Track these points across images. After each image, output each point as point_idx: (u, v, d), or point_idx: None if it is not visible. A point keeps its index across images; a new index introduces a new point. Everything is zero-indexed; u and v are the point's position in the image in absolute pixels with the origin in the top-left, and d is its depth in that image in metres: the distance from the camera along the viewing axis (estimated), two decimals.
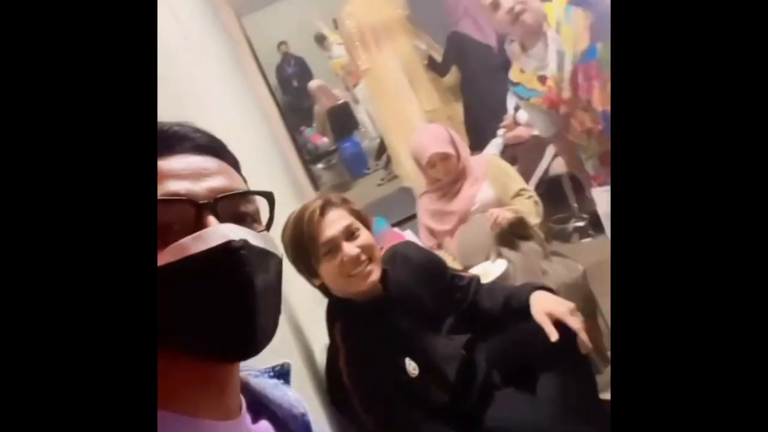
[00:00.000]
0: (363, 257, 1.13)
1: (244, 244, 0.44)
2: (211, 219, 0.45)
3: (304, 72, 6.48)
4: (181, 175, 0.46)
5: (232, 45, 2.78)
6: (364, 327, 1.15)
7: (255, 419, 0.52)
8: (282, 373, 0.62)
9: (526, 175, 2.71)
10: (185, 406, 0.45)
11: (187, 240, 0.43)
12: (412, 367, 1.13)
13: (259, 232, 0.49)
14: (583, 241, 2.78)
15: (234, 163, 0.52)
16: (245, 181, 0.53)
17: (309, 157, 5.23)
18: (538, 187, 2.73)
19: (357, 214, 1.19)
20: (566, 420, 1.13)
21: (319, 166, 5.53)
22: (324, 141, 5.72)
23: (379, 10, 3.35)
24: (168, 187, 0.44)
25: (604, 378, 1.82)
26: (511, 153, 2.84)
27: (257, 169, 1.42)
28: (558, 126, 1.74)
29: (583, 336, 1.15)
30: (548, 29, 1.60)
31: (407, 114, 3.24)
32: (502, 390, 1.24)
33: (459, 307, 1.33)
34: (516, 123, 2.83)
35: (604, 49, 1.53)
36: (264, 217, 0.52)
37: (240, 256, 0.43)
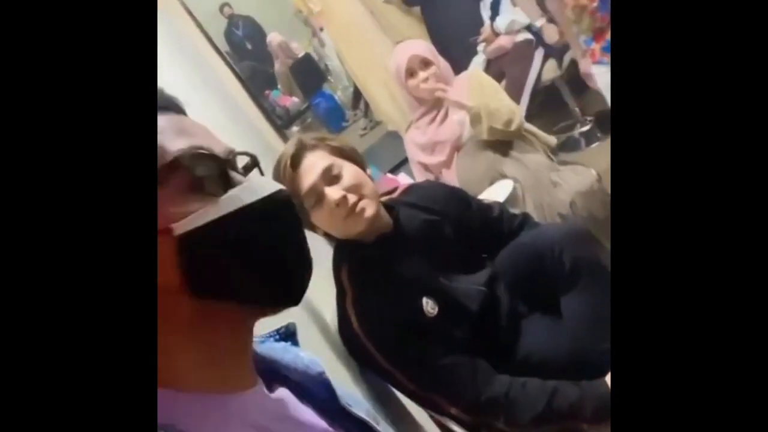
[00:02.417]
0: (351, 198, 1.03)
1: (286, 193, 0.47)
2: (236, 175, 0.46)
3: (255, 31, 6.06)
4: (190, 132, 0.46)
5: (171, 20, 2.51)
6: (372, 268, 1.07)
7: (271, 388, 0.50)
8: (288, 335, 0.59)
9: (518, 87, 2.50)
10: (198, 383, 0.44)
11: (239, 190, 0.44)
12: (430, 306, 1.06)
13: None
14: (592, 146, 2.60)
15: None
16: None
17: (281, 121, 4.93)
18: (534, 98, 2.53)
19: (338, 151, 1.08)
20: (598, 334, 1.06)
21: (294, 128, 5.25)
22: (293, 101, 5.39)
23: None
24: (184, 143, 0.44)
25: None
26: (496, 67, 2.61)
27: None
28: None
29: None
30: None
31: (376, 51, 2.97)
32: (529, 317, 1.18)
33: (493, 239, 1.24)
34: (495, 33, 2.58)
35: None
36: None
37: (291, 204, 0.47)
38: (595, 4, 1.68)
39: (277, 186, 0.46)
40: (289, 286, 0.47)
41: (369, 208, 1.05)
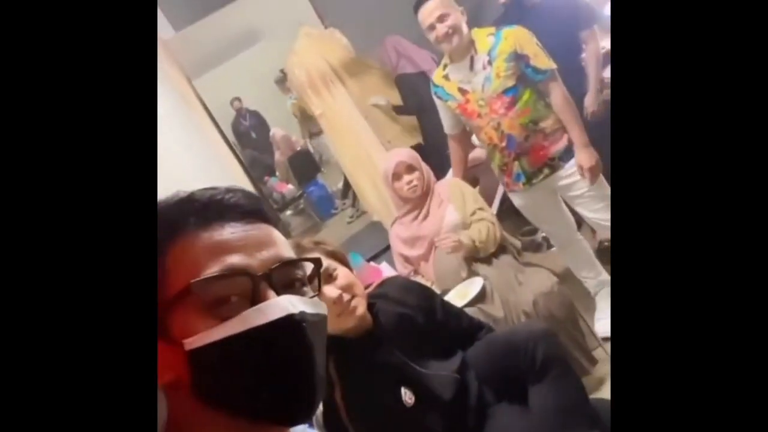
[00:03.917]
0: (345, 297, 1.15)
1: (303, 316, 0.47)
2: (269, 291, 0.48)
3: (260, 124, 6.52)
4: (236, 247, 0.48)
5: (186, 109, 2.82)
6: (357, 361, 1.16)
7: None
8: None
9: (490, 193, 2.79)
10: None
11: (249, 312, 0.46)
12: (408, 396, 1.15)
13: (310, 297, 0.51)
14: (553, 248, 2.85)
15: (276, 222, 0.55)
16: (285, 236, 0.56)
17: (277, 205, 5.27)
18: (503, 204, 2.81)
19: (332, 255, 1.21)
20: (563, 424, 1.15)
21: (288, 212, 5.56)
22: (289, 188, 5.75)
23: (324, 55, 3.45)
24: (226, 260, 0.47)
25: (593, 377, 1.87)
26: (471, 174, 2.92)
27: None
28: (460, 127, 2.17)
29: None
30: (475, 54, 1.92)
31: (366, 149, 3.31)
32: (495, 406, 1.26)
33: (456, 332, 1.35)
34: (472, 146, 2.92)
35: (527, 95, 1.90)
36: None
37: (300, 328, 0.47)
38: (503, 144, 1.97)
39: (289, 310, 0.46)
40: (293, 406, 0.47)
41: (360, 306, 1.16)
